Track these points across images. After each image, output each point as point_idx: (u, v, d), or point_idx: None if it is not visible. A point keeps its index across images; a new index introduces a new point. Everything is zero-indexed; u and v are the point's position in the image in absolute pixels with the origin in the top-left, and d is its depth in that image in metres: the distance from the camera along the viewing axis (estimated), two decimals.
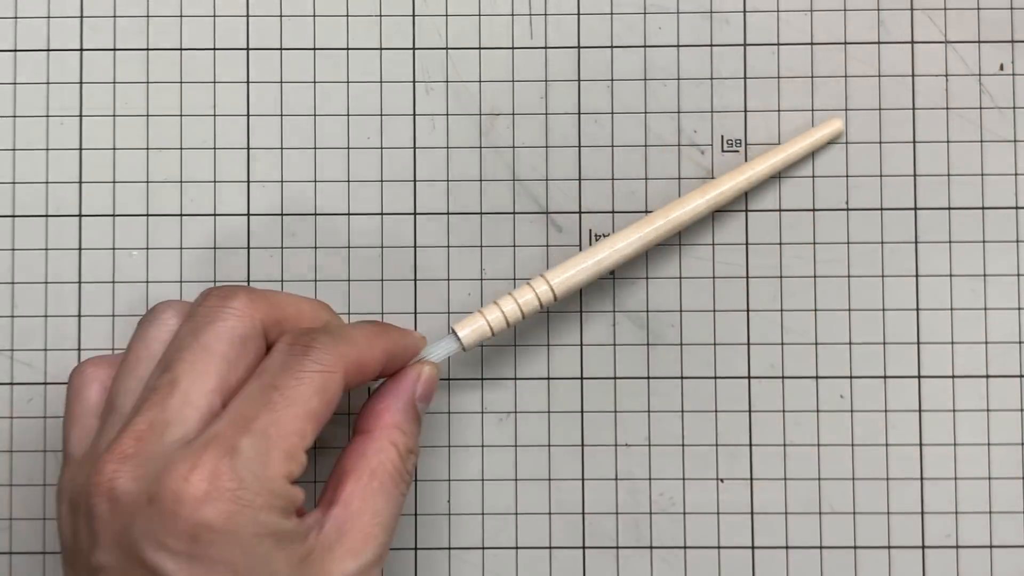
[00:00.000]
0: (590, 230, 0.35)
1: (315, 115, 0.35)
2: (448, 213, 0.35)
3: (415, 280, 0.35)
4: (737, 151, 0.35)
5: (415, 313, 0.35)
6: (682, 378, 0.35)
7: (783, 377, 0.35)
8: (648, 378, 0.35)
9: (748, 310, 0.35)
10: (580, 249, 0.35)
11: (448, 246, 0.35)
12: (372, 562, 0.27)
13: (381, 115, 0.35)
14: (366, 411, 0.30)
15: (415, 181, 0.35)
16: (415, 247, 0.35)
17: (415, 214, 0.35)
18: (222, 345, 0.27)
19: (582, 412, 0.35)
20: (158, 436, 0.26)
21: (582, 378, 0.35)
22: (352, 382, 0.28)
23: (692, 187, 0.35)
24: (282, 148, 0.35)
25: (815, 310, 0.35)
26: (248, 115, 0.35)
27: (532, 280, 0.32)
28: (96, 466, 0.26)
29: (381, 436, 0.29)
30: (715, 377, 0.35)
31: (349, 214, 0.35)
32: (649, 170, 0.35)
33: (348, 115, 0.35)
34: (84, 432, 0.28)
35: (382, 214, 0.35)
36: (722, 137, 0.35)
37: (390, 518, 0.28)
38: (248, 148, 0.35)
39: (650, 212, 0.35)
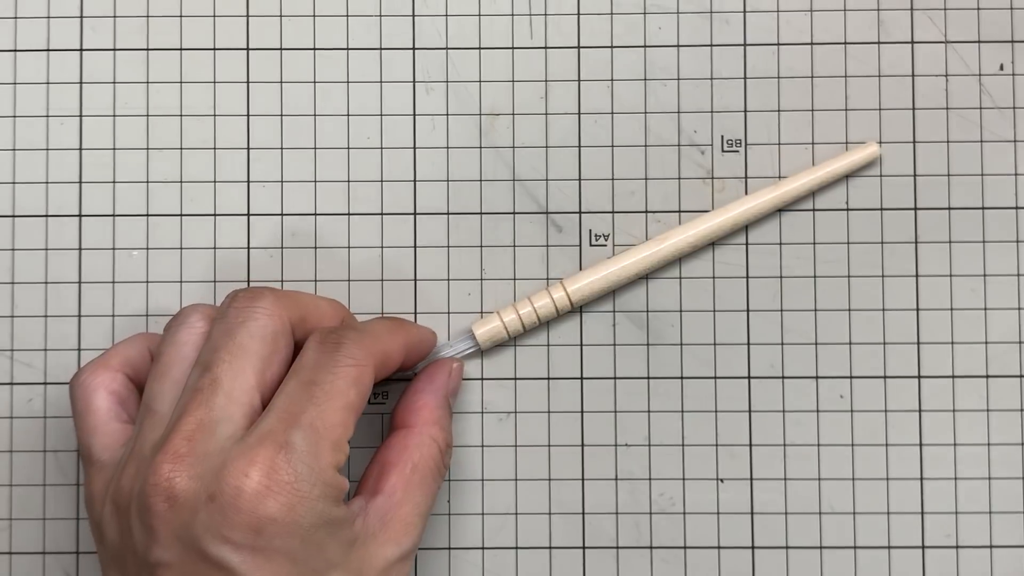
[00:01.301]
0: (590, 230, 0.35)
1: (315, 115, 0.35)
2: (448, 213, 0.35)
3: (415, 280, 0.35)
4: (737, 151, 0.35)
5: (415, 313, 0.35)
6: (682, 378, 0.35)
7: (783, 377, 0.35)
8: (648, 378, 0.35)
9: (748, 310, 0.35)
10: (580, 249, 0.35)
11: (448, 246, 0.35)
12: (410, 550, 0.29)
13: (381, 115, 0.35)
14: (405, 406, 0.31)
15: (415, 181, 0.35)
16: (415, 247, 0.35)
17: (415, 214, 0.35)
18: (256, 343, 0.28)
19: (582, 412, 0.35)
20: (208, 435, 0.27)
21: (582, 378, 0.35)
22: (380, 374, 0.29)
23: (692, 187, 0.35)
24: (282, 148, 0.35)
25: (815, 310, 0.35)
26: (248, 115, 0.35)
27: (550, 286, 0.34)
28: (151, 467, 0.26)
29: (422, 432, 0.31)
30: (715, 377, 0.35)
31: (349, 214, 0.35)
32: (649, 170, 0.35)
33: (348, 115, 0.35)
34: (109, 439, 0.29)
35: (382, 214, 0.35)
36: (722, 137, 0.35)
37: (427, 509, 0.30)
38: (248, 148, 0.35)
39: (651, 212, 0.35)
